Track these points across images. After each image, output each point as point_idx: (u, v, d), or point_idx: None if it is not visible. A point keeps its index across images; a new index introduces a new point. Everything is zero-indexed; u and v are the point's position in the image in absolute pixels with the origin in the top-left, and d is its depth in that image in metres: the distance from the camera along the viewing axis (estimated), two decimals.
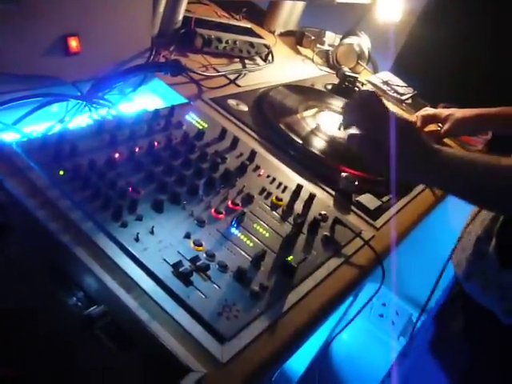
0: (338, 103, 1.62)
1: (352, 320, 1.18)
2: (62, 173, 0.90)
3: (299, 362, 1.92)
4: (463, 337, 1.06)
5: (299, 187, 1.11)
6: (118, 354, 0.71)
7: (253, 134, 1.30)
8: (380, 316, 2.47)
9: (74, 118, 1.14)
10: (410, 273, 2.33)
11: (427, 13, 2.04)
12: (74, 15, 1.12)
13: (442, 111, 1.60)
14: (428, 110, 1.66)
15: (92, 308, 0.72)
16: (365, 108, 0.98)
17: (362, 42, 1.95)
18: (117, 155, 0.99)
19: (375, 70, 2.08)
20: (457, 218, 1.50)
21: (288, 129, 1.35)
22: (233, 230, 0.95)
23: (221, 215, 0.96)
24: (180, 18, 1.54)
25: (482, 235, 0.99)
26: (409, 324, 2.49)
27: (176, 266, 0.81)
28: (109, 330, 0.72)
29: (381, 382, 1.58)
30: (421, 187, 1.42)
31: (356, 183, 1.22)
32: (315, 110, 1.51)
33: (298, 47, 2.01)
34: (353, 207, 1.21)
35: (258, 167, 1.14)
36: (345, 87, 1.76)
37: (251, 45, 1.66)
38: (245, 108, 1.39)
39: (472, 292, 1.00)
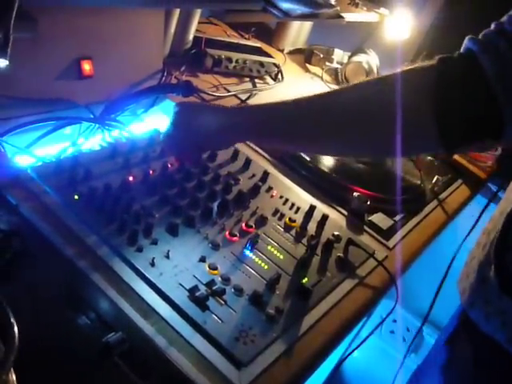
0: None
1: (364, 340, 1.17)
2: (76, 197, 0.91)
3: (312, 381, 1.90)
4: (472, 365, 1.04)
5: (312, 208, 1.11)
6: (136, 381, 0.71)
7: (265, 154, 1.31)
8: (391, 332, 2.46)
9: (87, 141, 1.15)
10: (421, 289, 2.32)
11: (436, 29, 2.05)
12: (88, 39, 1.13)
13: None
14: None
15: (110, 335, 0.72)
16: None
17: (370, 59, 1.95)
18: (131, 178, 1.00)
19: None
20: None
21: None
22: (247, 252, 0.95)
23: (235, 238, 0.97)
24: (190, 38, 1.55)
25: (484, 260, 0.98)
26: (420, 340, 2.47)
27: (192, 290, 0.81)
28: (127, 356, 0.72)
29: None
30: (432, 205, 1.42)
31: (368, 203, 1.22)
32: None
33: (307, 65, 2.01)
34: (365, 227, 1.21)
35: (270, 188, 1.15)
36: None
37: (261, 64, 1.67)
38: None
39: (477, 320, 0.98)
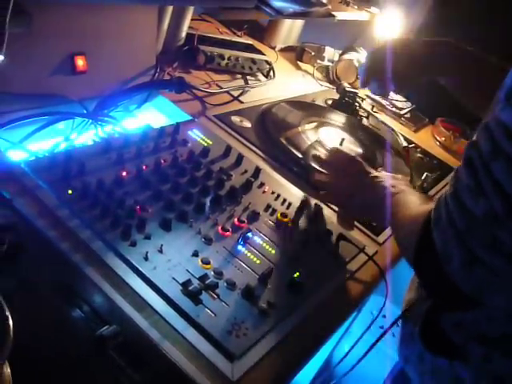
0: (338, 118, 1.65)
1: (357, 342, 1.18)
2: (70, 192, 0.91)
3: (303, 376, 1.92)
4: None
5: (303, 203, 1.12)
6: (131, 374, 0.72)
7: (257, 150, 1.32)
8: (381, 328, 2.47)
9: (80, 136, 1.16)
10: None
11: (425, 28, 2.06)
12: (82, 35, 1.13)
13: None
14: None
15: (104, 328, 0.72)
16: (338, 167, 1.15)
17: (360, 57, 1.96)
18: (124, 173, 1.00)
19: None
20: None
21: (290, 144, 1.36)
22: (239, 247, 0.96)
23: (227, 233, 0.98)
24: (183, 35, 1.56)
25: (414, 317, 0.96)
26: None
27: (185, 284, 0.82)
28: (121, 350, 0.72)
29: None
30: None
31: None
32: (316, 125, 1.53)
33: (299, 63, 2.03)
34: (356, 222, 1.22)
35: (262, 184, 1.16)
36: (345, 102, 1.78)
37: (253, 61, 1.68)
38: (248, 124, 1.41)
39: (412, 377, 0.95)
